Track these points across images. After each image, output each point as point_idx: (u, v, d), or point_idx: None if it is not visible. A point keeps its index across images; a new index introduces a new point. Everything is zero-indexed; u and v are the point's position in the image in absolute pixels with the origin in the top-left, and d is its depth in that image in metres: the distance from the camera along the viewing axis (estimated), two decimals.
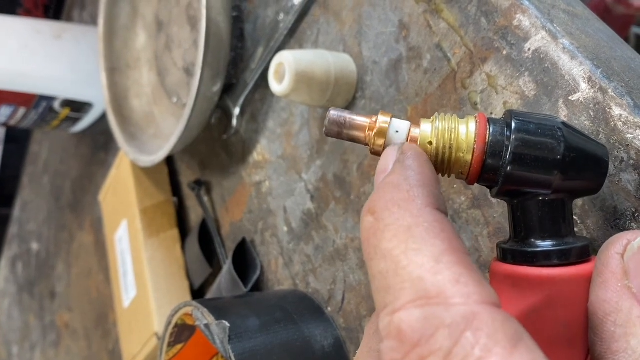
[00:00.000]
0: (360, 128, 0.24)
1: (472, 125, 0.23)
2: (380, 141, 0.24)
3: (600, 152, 0.23)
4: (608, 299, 0.22)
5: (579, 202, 0.28)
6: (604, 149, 0.24)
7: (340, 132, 0.24)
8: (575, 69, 0.29)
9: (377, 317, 0.18)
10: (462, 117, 0.24)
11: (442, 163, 0.23)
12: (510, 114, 0.23)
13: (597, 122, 0.28)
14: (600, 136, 0.27)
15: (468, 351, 0.16)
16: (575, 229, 0.28)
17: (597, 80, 0.28)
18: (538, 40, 0.30)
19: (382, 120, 0.24)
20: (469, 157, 0.23)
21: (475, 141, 0.23)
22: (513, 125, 0.23)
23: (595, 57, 0.28)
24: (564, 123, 0.23)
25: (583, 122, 0.28)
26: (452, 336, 0.16)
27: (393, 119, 0.24)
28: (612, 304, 0.21)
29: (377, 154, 0.24)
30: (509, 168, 0.22)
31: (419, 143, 0.23)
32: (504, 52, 0.32)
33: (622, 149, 0.27)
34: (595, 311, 0.22)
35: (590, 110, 0.28)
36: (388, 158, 0.22)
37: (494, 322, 0.16)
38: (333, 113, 0.24)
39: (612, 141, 0.27)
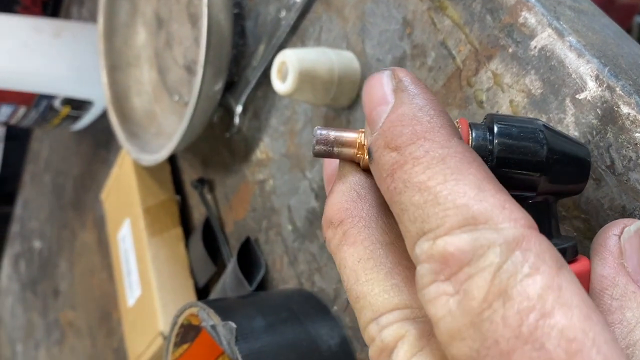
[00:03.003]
0: (350, 145, 0.23)
1: None
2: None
3: (582, 153, 0.24)
4: (606, 274, 0.23)
5: (586, 201, 0.28)
6: (586, 150, 0.24)
7: (330, 152, 0.23)
8: (582, 67, 0.28)
9: (412, 245, 0.18)
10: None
11: None
12: (491, 118, 0.23)
13: (604, 121, 0.27)
14: (608, 135, 0.27)
15: (518, 268, 0.16)
16: (583, 229, 0.28)
17: (604, 79, 0.27)
18: (544, 38, 0.30)
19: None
20: None
21: None
22: (495, 129, 0.23)
23: (602, 55, 0.28)
24: (545, 125, 0.23)
25: (590, 121, 0.28)
26: (503, 254, 0.16)
27: None
28: (609, 279, 0.23)
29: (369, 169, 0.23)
30: (493, 172, 0.23)
31: None
32: (510, 50, 0.31)
33: (631, 147, 0.26)
34: (593, 286, 0.23)
35: (598, 108, 0.28)
36: (383, 87, 0.21)
37: (541, 244, 0.17)
38: (319, 133, 0.23)
39: (620, 140, 0.27)
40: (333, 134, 0.23)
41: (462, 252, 0.17)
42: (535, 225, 0.17)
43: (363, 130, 0.23)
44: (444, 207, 0.17)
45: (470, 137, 0.23)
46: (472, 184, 0.18)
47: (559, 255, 0.17)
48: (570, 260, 0.23)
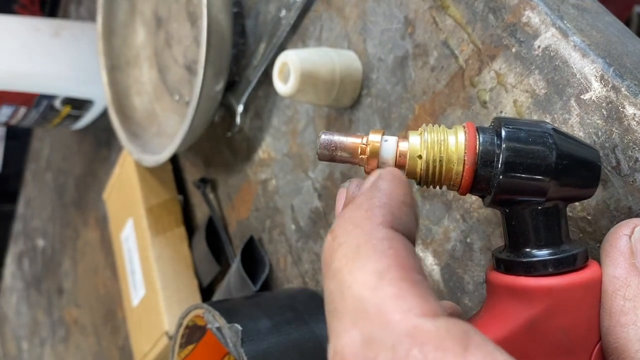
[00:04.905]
0: (353, 150, 0.23)
1: (461, 136, 0.23)
2: (374, 160, 0.23)
3: (592, 157, 0.23)
4: (618, 275, 0.23)
5: (592, 202, 0.28)
6: (596, 153, 0.24)
7: (333, 156, 0.23)
8: (587, 67, 0.28)
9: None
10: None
11: (432, 176, 0.23)
12: (499, 122, 0.23)
13: (610, 122, 0.27)
14: (613, 135, 0.27)
15: None
16: (589, 230, 0.28)
17: (609, 79, 0.27)
18: (548, 37, 0.30)
19: (373, 139, 0.23)
20: (459, 169, 0.23)
21: (465, 152, 0.22)
22: (503, 133, 0.22)
23: (607, 54, 0.28)
24: (554, 129, 0.23)
25: (595, 122, 0.28)
26: (398, 355, 0.15)
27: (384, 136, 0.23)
28: (621, 279, 0.23)
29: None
30: (501, 177, 0.22)
31: (408, 157, 0.23)
32: (513, 50, 0.31)
33: (637, 148, 0.26)
34: (605, 288, 0.23)
35: (603, 109, 0.27)
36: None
37: (438, 330, 0.16)
38: (324, 138, 0.23)
39: (625, 141, 0.27)
40: (337, 138, 0.23)
41: (355, 356, 0.16)
42: (434, 310, 0.16)
43: (365, 135, 0.23)
44: (345, 299, 0.17)
45: (478, 142, 0.22)
46: (374, 272, 0.17)
47: (461, 329, 0.16)
48: (577, 268, 0.23)
